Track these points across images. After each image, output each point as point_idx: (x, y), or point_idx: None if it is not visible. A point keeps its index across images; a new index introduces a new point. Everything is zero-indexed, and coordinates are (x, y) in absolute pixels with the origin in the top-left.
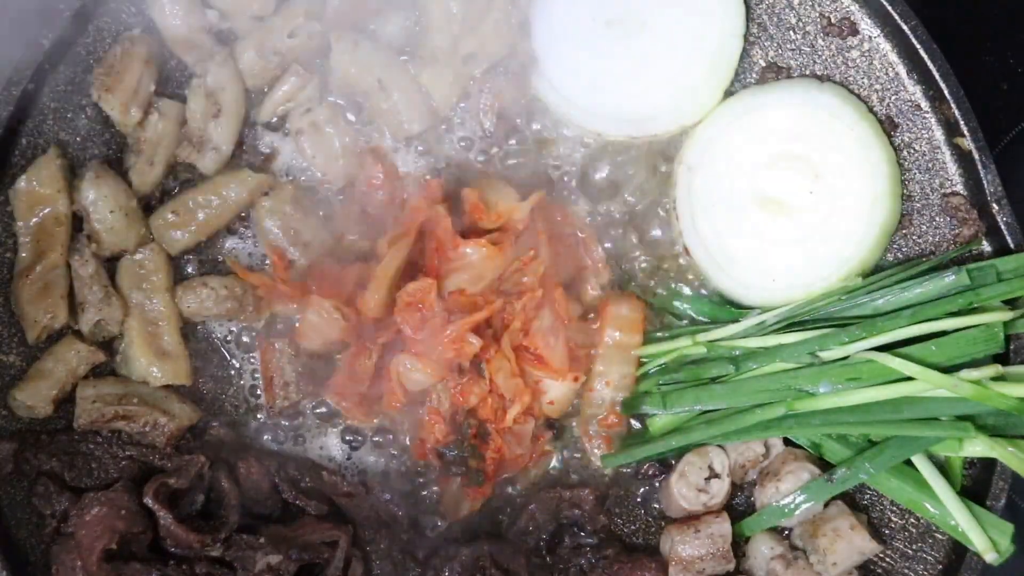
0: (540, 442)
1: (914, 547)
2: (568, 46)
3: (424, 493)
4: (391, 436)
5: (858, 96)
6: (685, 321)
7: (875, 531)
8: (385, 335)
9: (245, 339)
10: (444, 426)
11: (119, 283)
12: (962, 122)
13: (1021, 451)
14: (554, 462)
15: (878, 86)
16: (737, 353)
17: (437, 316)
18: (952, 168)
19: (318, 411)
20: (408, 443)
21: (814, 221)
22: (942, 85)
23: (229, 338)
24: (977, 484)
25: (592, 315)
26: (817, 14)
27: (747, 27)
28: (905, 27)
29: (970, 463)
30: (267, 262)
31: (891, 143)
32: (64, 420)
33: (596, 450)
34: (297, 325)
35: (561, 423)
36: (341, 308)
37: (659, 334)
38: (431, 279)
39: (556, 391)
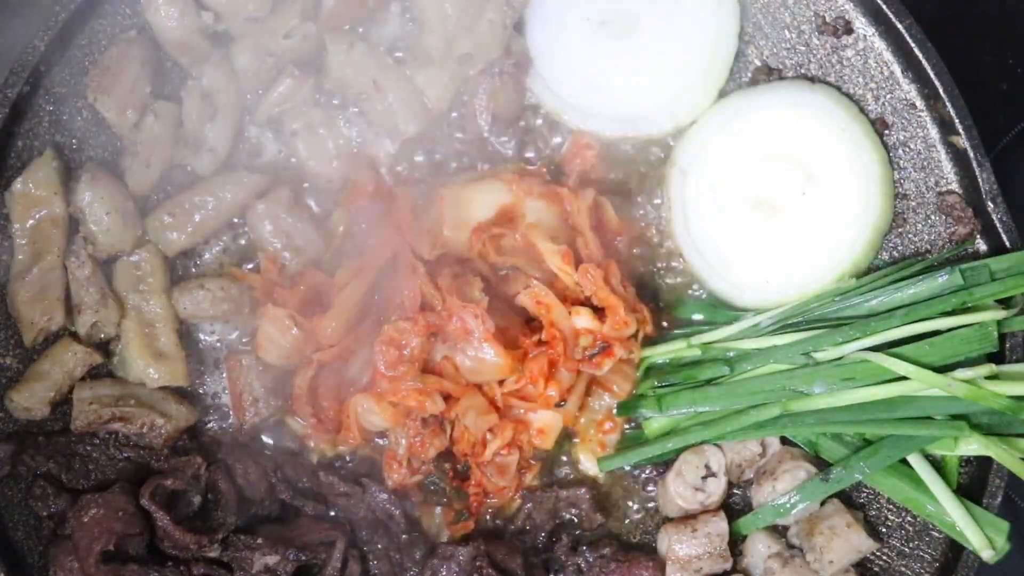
0: (528, 475)
1: (911, 545)
2: (563, 46)
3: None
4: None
5: (851, 96)
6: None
7: (872, 529)
8: (326, 353)
9: (241, 340)
10: (403, 471)
11: (116, 285)
12: (957, 120)
13: (1016, 449)
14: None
15: (873, 85)
16: (732, 355)
17: (415, 361)
18: (947, 166)
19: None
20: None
21: (807, 222)
22: (936, 83)
23: (225, 339)
24: (973, 482)
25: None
26: (812, 13)
27: (742, 26)
28: (900, 26)
29: (966, 461)
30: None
31: (884, 143)
32: (61, 422)
33: (590, 453)
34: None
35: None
36: (296, 317)
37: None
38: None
39: (544, 420)
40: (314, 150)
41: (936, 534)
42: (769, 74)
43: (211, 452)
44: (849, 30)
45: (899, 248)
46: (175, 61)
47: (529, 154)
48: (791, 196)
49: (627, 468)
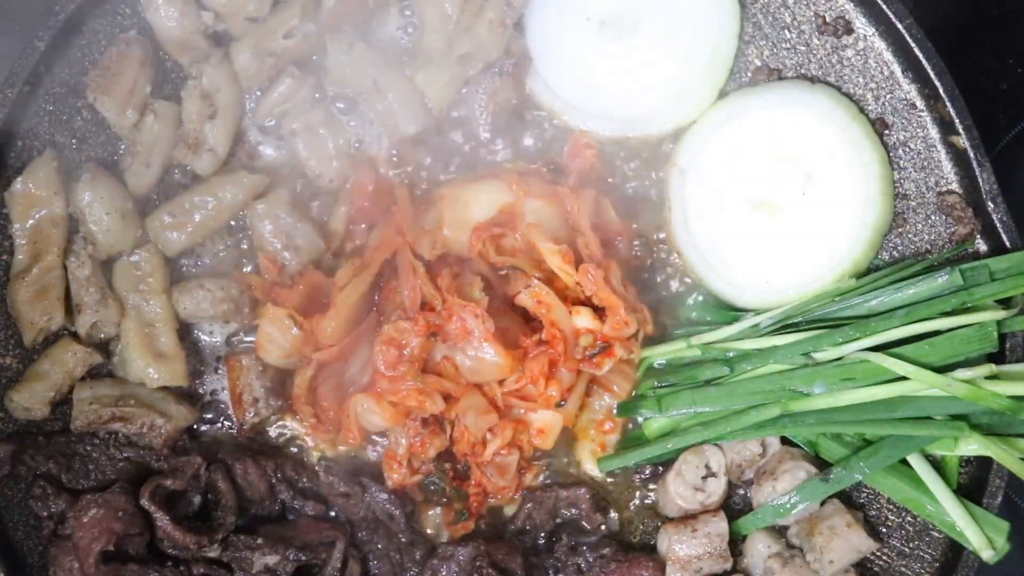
0: (528, 475)
1: (911, 545)
2: (563, 46)
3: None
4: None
5: (851, 96)
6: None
7: (872, 529)
8: (326, 353)
9: (241, 340)
10: (403, 471)
11: (115, 285)
12: (957, 120)
13: (1016, 449)
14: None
15: (873, 85)
16: (732, 355)
17: (415, 361)
18: (947, 166)
19: (283, 434)
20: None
21: (807, 222)
22: (937, 83)
23: (225, 339)
24: (973, 482)
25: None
26: (812, 13)
27: (742, 26)
28: (900, 26)
29: (966, 461)
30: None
31: (884, 143)
32: (61, 422)
33: (590, 454)
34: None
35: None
36: (295, 317)
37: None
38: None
39: (544, 420)
40: (314, 150)
41: (936, 534)
42: (769, 74)
43: (211, 452)
44: (849, 30)
45: (899, 248)
46: (175, 61)
47: (529, 154)
48: (791, 196)
49: (627, 468)
